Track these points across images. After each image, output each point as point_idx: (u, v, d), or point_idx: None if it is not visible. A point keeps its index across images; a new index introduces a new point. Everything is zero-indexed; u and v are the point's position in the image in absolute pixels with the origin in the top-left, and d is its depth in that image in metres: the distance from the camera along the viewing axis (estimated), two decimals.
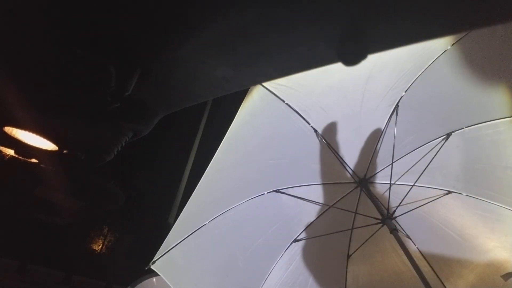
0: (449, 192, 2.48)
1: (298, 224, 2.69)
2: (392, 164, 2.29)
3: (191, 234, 2.40)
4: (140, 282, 3.15)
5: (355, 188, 2.55)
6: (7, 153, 0.70)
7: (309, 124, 2.21)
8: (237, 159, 2.34)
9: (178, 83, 0.61)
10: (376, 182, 2.54)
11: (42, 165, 0.76)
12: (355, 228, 2.69)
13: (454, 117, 2.26)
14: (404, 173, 2.45)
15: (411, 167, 2.42)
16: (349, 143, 2.33)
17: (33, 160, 0.72)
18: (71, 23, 0.49)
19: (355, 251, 2.77)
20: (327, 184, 2.54)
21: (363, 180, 2.47)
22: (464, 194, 2.45)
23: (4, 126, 0.62)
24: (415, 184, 2.38)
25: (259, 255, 2.63)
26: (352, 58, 0.46)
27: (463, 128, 2.26)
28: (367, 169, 2.45)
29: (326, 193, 2.58)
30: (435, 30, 0.45)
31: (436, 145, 2.33)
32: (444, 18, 0.42)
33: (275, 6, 0.42)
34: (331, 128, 2.24)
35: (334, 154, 2.33)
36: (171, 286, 2.35)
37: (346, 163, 2.39)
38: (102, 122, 0.64)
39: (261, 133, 2.26)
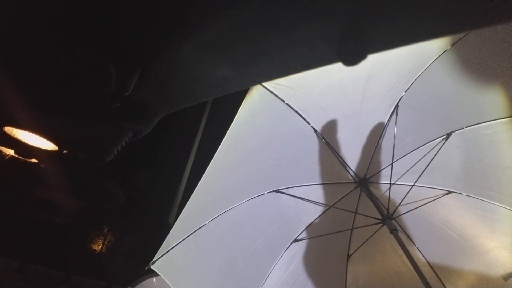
0: (449, 192, 2.48)
1: (298, 224, 2.69)
2: (392, 164, 2.29)
3: (191, 234, 2.40)
4: (140, 282, 3.15)
5: (355, 188, 2.55)
6: (7, 153, 0.70)
7: (309, 124, 2.21)
8: (237, 159, 2.34)
9: (178, 83, 0.61)
10: (376, 182, 2.54)
11: (42, 165, 0.76)
12: (355, 228, 2.69)
13: (454, 117, 2.26)
14: (404, 173, 2.45)
15: (411, 167, 2.42)
16: (349, 143, 2.33)
17: (33, 160, 0.72)
18: (71, 23, 0.49)
19: (355, 251, 2.77)
20: (327, 184, 2.54)
21: (363, 180, 2.47)
22: (464, 194, 2.45)
23: (4, 126, 0.62)
24: (415, 184, 2.38)
25: (259, 255, 2.62)
26: (352, 58, 0.46)
27: (463, 128, 2.26)
28: (367, 169, 2.45)
29: (326, 193, 2.58)
30: (435, 30, 0.45)
31: (436, 145, 2.33)
32: (444, 18, 0.42)
33: (275, 6, 0.42)
34: (331, 128, 2.24)
35: (334, 154, 2.33)
36: (171, 286, 2.35)
37: (346, 163, 2.39)
38: (102, 122, 0.64)
39: (261, 133, 2.26)
